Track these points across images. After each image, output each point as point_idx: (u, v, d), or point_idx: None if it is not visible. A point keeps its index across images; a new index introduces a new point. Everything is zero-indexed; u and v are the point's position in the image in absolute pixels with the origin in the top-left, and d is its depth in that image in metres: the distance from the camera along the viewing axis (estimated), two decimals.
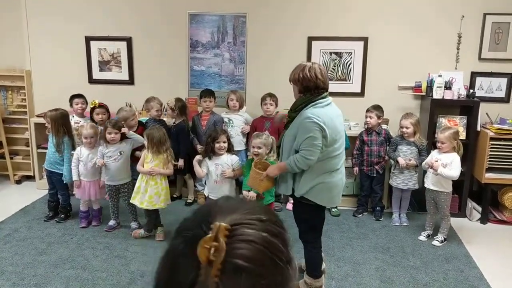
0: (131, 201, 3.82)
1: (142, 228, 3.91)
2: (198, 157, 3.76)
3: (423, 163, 3.92)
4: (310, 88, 2.75)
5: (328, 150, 2.71)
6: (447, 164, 3.73)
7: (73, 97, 4.58)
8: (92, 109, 4.41)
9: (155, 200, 3.73)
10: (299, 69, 2.79)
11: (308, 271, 3.02)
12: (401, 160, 4.12)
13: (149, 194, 3.70)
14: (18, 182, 5.37)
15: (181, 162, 4.45)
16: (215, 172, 3.61)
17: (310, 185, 2.74)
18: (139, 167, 3.76)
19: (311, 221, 2.93)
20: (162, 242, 3.79)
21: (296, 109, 2.80)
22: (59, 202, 4.25)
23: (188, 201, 4.77)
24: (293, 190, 2.85)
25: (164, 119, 4.71)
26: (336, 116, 2.79)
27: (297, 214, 2.99)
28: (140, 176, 3.78)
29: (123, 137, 3.94)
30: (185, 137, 4.50)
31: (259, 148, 3.37)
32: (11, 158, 5.34)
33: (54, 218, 4.21)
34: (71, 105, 4.57)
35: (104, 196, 4.11)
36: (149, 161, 3.72)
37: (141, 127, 4.52)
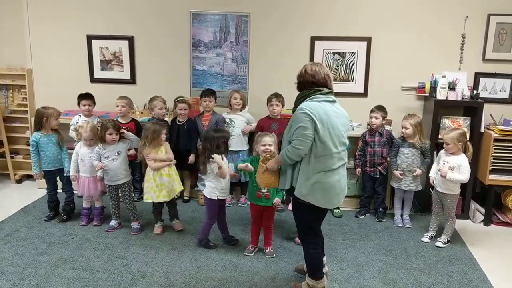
0: (144, 200, 3.89)
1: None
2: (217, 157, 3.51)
3: (437, 169, 3.85)
4: (301, 83, 2.81)
5: (323, 146, 2.65)
6: (454, 167, 3.70)
7: (81, 97, 4.58)
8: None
9: (175, 185, 3.88)
10: None
11: (309, 272, 2.99)
12: (396, 174, 4.16)
13: (165, 184, 3.83)
14: (19, 181, 5.36)
15: (192, 158, 4.48)
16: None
17: (308, 185, 2.70)
18: (150, 164, 3.80)
19: (307, 221, 2.90)
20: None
21: (296, 105, 2.81)
22: (59, 202, 4.24)
23: (185, 198, 4.78)
24: (293, 188, 2.82)
25: (166, 118, 4.69)
26: (337, 116, 2.72)
27: (295, 213, 2.96)
28: (152, 176, 3.81)
29: (120, 137, 3.98)
30: (196, 134, 4.53)
31: (270, 145, 3.42)
32: (12, 157, 5.33)
33: (54, 218, 4.19)
34: (78, 104, 4.58)
35: (104, 189, 4.09)
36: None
37: (133, 123, 4.57)
